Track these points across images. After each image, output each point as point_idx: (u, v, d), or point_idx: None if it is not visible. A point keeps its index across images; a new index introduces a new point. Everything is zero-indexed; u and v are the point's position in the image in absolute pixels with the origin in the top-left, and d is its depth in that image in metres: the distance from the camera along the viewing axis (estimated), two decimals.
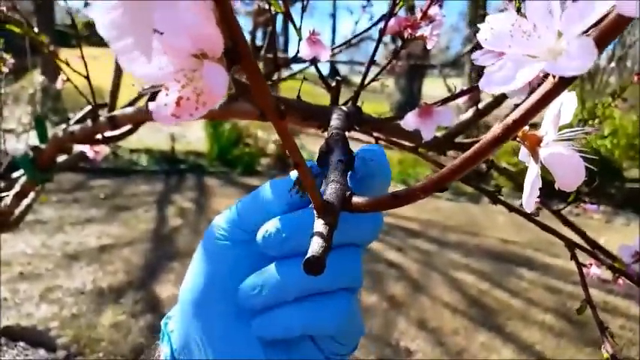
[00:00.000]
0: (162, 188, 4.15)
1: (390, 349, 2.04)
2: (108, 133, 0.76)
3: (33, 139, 1.10)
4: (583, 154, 0.20)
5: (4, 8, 0.79)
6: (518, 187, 0.56)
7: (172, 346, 0.29)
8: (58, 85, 0.98)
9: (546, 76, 0.16)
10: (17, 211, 1.03)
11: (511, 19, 0.17)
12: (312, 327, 0.27)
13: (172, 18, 0.12)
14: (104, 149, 0.87)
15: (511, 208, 0.44)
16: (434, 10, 0.45)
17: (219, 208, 3.37)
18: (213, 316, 0.28)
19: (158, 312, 2.15)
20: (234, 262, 0.29)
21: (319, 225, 0.22)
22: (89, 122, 0.75)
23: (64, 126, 0.84)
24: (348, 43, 0.70)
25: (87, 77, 0.76)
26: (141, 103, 0.79)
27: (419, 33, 0.46)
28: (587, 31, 0.15)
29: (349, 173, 0.29)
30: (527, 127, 0.20)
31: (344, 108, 0.40)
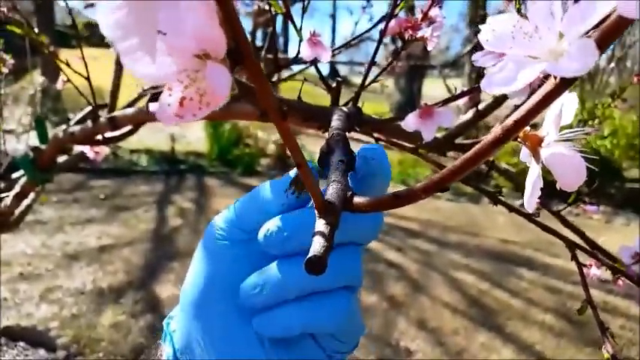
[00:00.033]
0: (163, 188, 4.15)
1: (390, 349, 2.04)
2: (108, 134, 0.76)
3: (33, 139, 1.10)
4: (584, 155, 0.20)
5: (5, 9, 0.79)
6: (518, 188, 0.56)
7: (174, 346, 0.30)
8: (59, 85, 0.98)
9: (546, 77, 0.17)
10: (17, 212, 1.03)
11: (513, 20, 0.17)
12: (312, 326, 0.27)
13: (176, 19, 0.13)
14: (104, 150, 0.87)
15: (511, 209, 0.44)
16: (434, 12, 0.45)
17: (219, 209, 3.37)
18: (213, 316, 0.28)
19: (158, 312, 2.15)
20: (233, 261, 0.29)
21: (321, 225, 0.22)
22: (89, 123, 0.75)
23: (64, 126, 0.84)
24: (348, 44, 0.70)
25: (87, 78, 0.76)
26: (141, 103, 0.79)
27: (419, 34, 0.46)
28: (588, 32, 0.15)
29: (349, 173, 0.29)
30: (528, 128, 0.20)
31: (344, 109, 0.41)
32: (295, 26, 0.46)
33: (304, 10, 0.53)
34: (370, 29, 0.58)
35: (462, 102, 0.50)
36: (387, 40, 0.47)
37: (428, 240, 3.36)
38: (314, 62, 0.48)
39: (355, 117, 0.42)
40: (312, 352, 0.28)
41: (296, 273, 0.26)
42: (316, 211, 0.23)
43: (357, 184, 0.29)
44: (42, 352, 1.84)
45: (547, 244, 3.11)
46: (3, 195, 0.99)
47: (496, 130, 0.18)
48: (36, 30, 0.77)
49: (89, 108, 0.80)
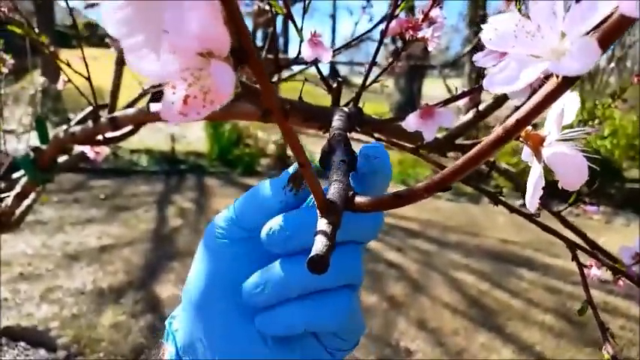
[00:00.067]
0: (163, 188, 4.15)
1: (390, 349, 2.04)
2: (109, 134, 0.76)
3: (34, 139, 1.10)
4: (585, 154, 0.20)
5: (6, 9, 0.79)
6: (518, 188, 0.56)
7: (177, 345, 0.30)
8: (59, 85, 0.98)
9: (547, 77, 0.17)
10: (18, 212, 1.03)
11: (515, 19, 0.17)
12: (315, 324, 0.27)
13: (180, 17, 0.13)
14: (105, 150, 0.87)
15: (512, 209, 0.44)
16: (435, 12, 0.45)
17: (219, 209, 3.36)
18: (214, 315, 0.28)
19: (158, 312, 2.15)
20: (233, 259, 0.29)
21: (323, 224, 0.22)
22: (90, 123, 0.75)
23: (64, 127, 0.84)
24: (349, 45, 0.70)
25: (88, 78, 0.76)
26: (141, 103, 0.79)
27: (420, 35, 0.46)
28: (590, 31, 0.15)
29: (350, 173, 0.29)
30: (530, 127, 0.20)
31: (345, 109, 0.41)
32: (296, 27, 0.46)
33: (305, 10, 0.53)
34: (371, 29, 0.58)
35: (462, 102, 0.50)
36: (387, 40, 0.47)
37: (428, 240, 3.36)
38: (315, 63, 0.48)
39: (356, 117, 0.42)
40: (314, 350, 0.29)
41: (298, 272, 0.26)
42: (318, 211, 0.23)
43: (357, 182, 0.29)
44: (42, 352, 1.84)
45: (547, 244, 3.11)
46: (4, 195, 0.99)
47: (498, 130, 0.18)
48: (36, 30, 0.77)
49: (90, 108, 0.80)
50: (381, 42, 0.46)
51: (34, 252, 2.65)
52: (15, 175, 1.02)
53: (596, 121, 0.99)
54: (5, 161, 1.11)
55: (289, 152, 5.09)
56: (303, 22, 0.48)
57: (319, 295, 0.27)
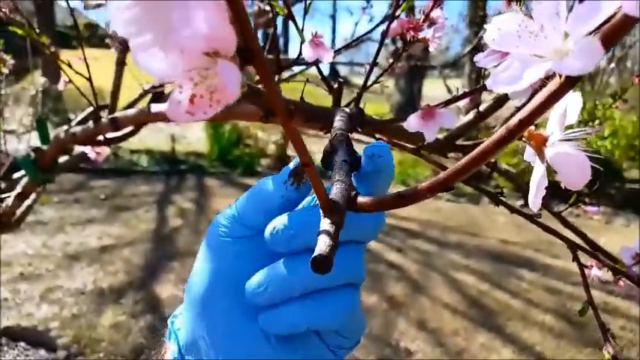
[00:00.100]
0: (163, 189, 4.15)
1: (390, 349, 2.04)
2: (110, 135, 0.76)
3: (34, 140, 1.10)
4: (588, 154, 0.20)
5: (6, 10, 0.79)
6: (519, 188, 0.56)
7: (180, 343, 0.30)
8: (60, 86, 0.98)
9: (548, 78, 0.17)
10: (18, 212, 1.03)
11: (518, 19, 0.17)
12: (317, 323, 0.27)
13: (187, 17, 0.13)
14: (105, 150, 0.87)
15: (512, 209, 0.44)
16: (436, 13, 0.46)
17: (219, 209, 3.36)
18: (217, 313, 0.29)
19: (158, 312, 2.15)
20: (236, 257, 0.29)
21: (326, 224, 0.22)
22: (91, 123, 0.75)
23: (65, 127, 0.84)
24: (349, 45, 0.70)
25: (89, 79, 0.76)
26: (142, 104, 0.79)
27: (421, 35, 0.46)
28: (593, 31, 0.15)
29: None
30: (532, 127, 0.20)
31: (347, 110, 0.41)
32: (297, 27, 0.46)
33: (306, 11, 0.53)
34: (372, 30, 0.58)
35: (462, 103, 0.50)
36: (387, 40, 0.47)
37: (428, 240, 3.36)
38: (316, 63, 0.48)
39: (357, 118, 0.43)
40: (316, 349, 0.29)
41: (302, 271, 0.26)
42: (321, 211, 0.23)
43: (359, 182, 0.29)
44: (42, 352, 1.84)
45: (547, 244, 3.11)
46: (4, 195, 0.99)
47: (501, 130, 0.18)
48: (37, 30, 0.77)
49: (90, 109, 0.80)
50: (382, 43, 0.46)
51: (34, 252, 2.65)
52: (15, 176, 1.02)
53: (597, 122, 0.99)
54: (6, 161, 1.12)
55: (289, 152, 5.10)
56: (304, 23, 0.48)
57: (321, 294, 0.27)
